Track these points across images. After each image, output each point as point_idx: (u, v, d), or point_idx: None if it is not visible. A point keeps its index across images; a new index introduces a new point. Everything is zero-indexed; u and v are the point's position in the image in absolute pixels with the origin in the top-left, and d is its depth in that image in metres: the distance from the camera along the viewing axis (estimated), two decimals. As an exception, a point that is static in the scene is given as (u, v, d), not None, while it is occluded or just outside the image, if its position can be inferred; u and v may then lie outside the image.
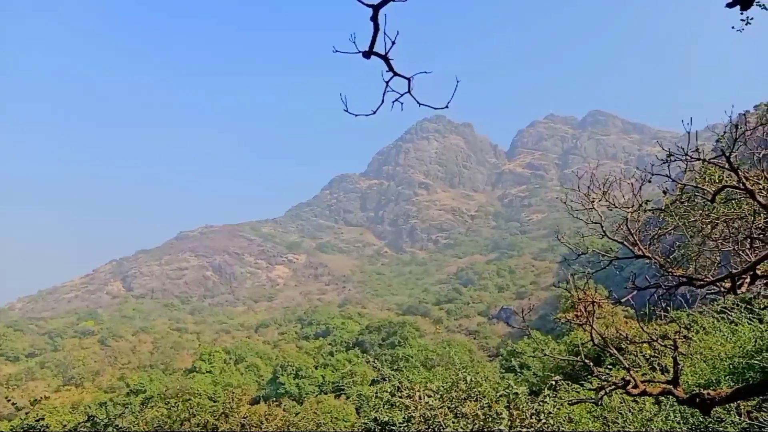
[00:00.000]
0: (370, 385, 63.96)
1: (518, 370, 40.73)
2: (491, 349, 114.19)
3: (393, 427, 16.09)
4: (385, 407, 19.60)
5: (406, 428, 15.64)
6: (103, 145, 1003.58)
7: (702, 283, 8.91)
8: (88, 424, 11.22)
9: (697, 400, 6.39)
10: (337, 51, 5.71)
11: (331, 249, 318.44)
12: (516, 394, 14.11)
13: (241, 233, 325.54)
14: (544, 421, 13.68)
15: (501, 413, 13.66)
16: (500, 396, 15.24)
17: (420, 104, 5.82)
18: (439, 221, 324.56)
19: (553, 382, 15.87)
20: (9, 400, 11.27)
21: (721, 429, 10.22)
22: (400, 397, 18.61)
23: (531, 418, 13.83)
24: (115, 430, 11.61)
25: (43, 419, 10.77)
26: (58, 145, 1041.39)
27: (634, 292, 9.90)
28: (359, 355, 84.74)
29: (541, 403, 14.59)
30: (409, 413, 16.69)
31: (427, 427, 15.01)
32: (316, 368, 79.90)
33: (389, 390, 19.47)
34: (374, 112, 5.86)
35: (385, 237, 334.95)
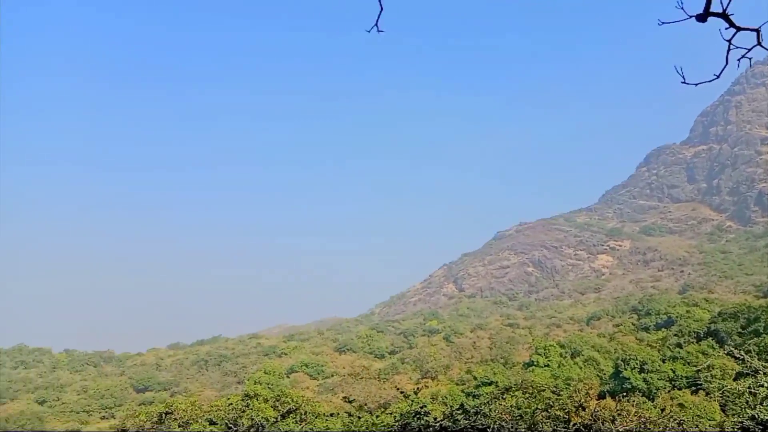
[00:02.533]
0: (734, 380, 55.44)
1: None
2: None
3: (781, 428, 13.84)
4: (765, 404, 17.12)
5: (801, 430, 13.31)
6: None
7: None
8: (460, 411, 12.65)
9: None
10: (664, 23, 5.41)
11: (658, 231, 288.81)
12: None
13: (555, 226, 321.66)
14: None
15: None
16: None
17: (778, 55, 5.10)
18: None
19: None
20: (398, 389, 13.67)
21: None
22: (784, 393, 15.98)
23: None
24: (482, 417, 12.83)
25: (425, 406, 12.69)
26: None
27: None
28: (714, 346, 74.68)
29: None
30: (802, 413, 14.19)
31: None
32: (664, 361, 73.14)
33: (766, 384, 16.91)
34: (718, 76, 5.36)
35: (724, 209, 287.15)
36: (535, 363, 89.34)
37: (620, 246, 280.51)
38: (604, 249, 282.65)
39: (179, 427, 38.37)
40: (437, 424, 11.83)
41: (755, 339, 70.40)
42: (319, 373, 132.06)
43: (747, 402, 19.12)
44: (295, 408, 44.20)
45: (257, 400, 45.25)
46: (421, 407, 12.67)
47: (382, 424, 12.93)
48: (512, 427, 14.73)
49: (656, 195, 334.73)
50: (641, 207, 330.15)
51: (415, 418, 11.87)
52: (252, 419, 42.17)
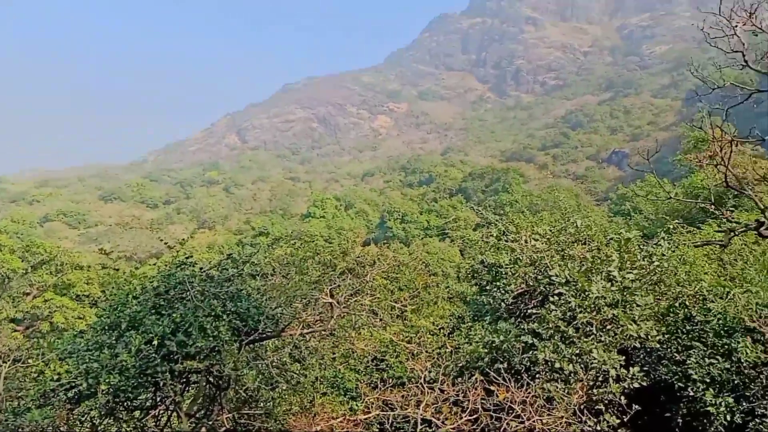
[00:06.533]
0: (473, 230, 65.98)
1: (630, 214, 39.77)
2: (599, 193, 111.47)
3: (500, 269, 16.73)
4: (491, 251, 20.30)
5: (513, 270, 16.20)
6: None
7: None
8: (229, 261, 12.61)
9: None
10: None
11: (432, 96, 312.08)
12: (628, 239, 13.92)
13: (343, 83, 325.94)
14: (656, 263, 13.54)
15: (611, 256, 13.65)
16: (611, 239, 15.14)
17: None
18: (547, 60, 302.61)
19: (671, 226, 15.37)
20: (162, 240, 12.97)
21: None
22: (506, 241, 19.05)
23: (642, 261, 13.74)
24: (251, 266, 13.01)
25: (191, 257, 12.34)
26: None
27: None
28: (462, 201, 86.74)
29: (654, 246, 14.36)
30: (516, 256, 17.18)
31: (533, 268, 15.45)
32: (421, 214, 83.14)
33: (495, 234, 19.95)
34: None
35: (487, 81, 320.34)
36: (312, 214, 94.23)
37: (398, 108, 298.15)
38: (384, 110, 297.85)
39: None
40: (203, 274, 11.65)
41: (494, 196, 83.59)
42: (80, 222, 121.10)
43: (479, 249, 22.30)
44: (48, 259, 40.52)
45: (2, 251, 40.10)
46: (187, 257, 12.28)
47: (142, 275, 12.29)
48: (282, 273, 15.28)
49: (434, 62, 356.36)
50: (420, 72, 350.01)
51: (180, 269, 11.49)
52: (-6, 273, 37.49)
